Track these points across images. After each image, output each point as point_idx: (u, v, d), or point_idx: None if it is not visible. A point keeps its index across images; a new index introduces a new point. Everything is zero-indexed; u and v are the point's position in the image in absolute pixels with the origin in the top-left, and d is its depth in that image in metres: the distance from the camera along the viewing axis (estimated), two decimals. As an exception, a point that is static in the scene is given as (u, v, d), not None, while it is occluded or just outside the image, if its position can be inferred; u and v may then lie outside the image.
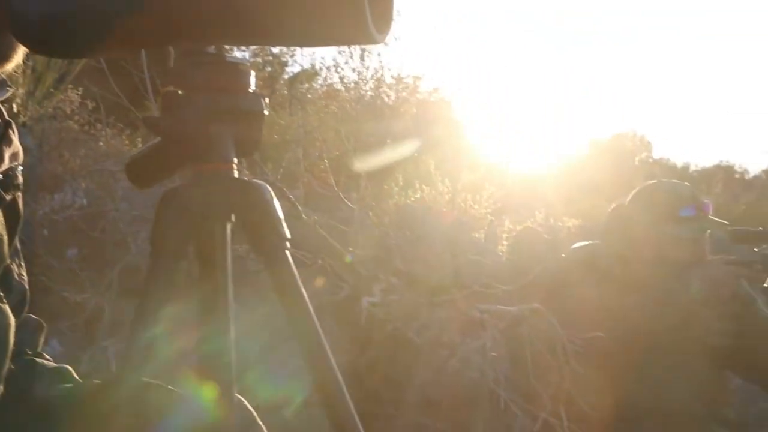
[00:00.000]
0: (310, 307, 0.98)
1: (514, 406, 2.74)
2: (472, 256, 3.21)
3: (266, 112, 0.97)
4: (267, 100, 0.97)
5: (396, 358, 3.00)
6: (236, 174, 0.96)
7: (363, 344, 3.09)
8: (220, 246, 0.97)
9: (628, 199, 3.09)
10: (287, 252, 0.97)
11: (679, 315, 2.86)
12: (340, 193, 3.70)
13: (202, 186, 0.94)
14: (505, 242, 4.46)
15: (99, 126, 4.79)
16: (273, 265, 0.97)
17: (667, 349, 2.83)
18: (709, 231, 3.01)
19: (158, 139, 0.95)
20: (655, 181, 3.15)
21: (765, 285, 2.89)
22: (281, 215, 0.97)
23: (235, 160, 0.95)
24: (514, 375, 2.89)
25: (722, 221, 3.05)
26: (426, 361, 2.92)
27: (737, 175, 12.05)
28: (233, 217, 0.98)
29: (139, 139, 5.29)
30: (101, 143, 4.76)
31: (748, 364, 3.07)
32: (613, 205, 3.18)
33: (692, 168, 14.11)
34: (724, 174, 11.45)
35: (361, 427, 0.99)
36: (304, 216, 3.50)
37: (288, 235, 0.97)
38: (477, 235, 4.58)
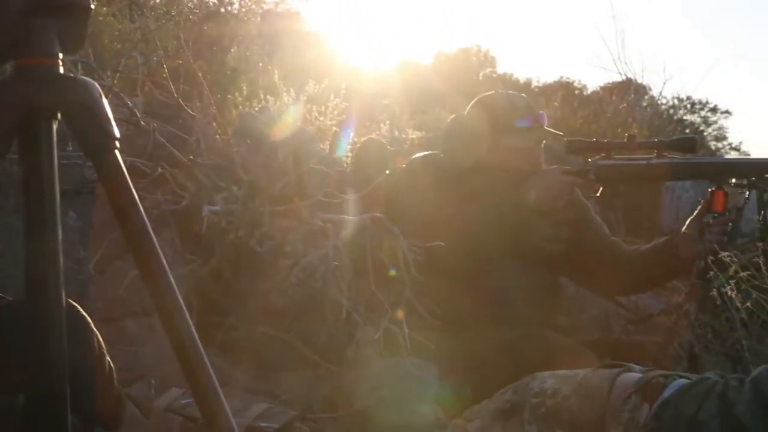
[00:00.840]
0: (142, 210, 0.95)
1: (357, 315, 2.76)
2: (316, 166, 3.19)
3: (92, 6, 0.92)
4: (93, -7, 0.93)
5: (238, 267, 2.98)
6: (62, 71, 0.91)
7: (205, 254, 3.05)
8: (45, 146, 0.93)
9: (466, 110, 3.12)
10: (116, 152, 0.94)
11: (516, 223, 2.92)
12: (181, 101, 3.61)
13: (24, 81, 0.89)
14: (349, 153, 4.46)
15: None
16: (102, 165, 0.93)
17: (503, 257, 2.90)
18: (544, 141, 3.08)
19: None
20: (492, 92, 3.19)
21: (597, 194, 2.98)
22: (110, 114, 0.94)
23: (61, 55, 0.91)
24: (356, 284, 2.91)
25: (557, 132, 3.13)
26: (269, 270, 2.91)
27: (576, 91, 12.34)
28: (59, 116, 0.94)
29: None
30: None
31: (581, 270, 3.18)
32: (452, 116, 3.21)
33: (534, 83, 14.38)
34: (564, 89, 11.70)
35: (198, 342, 0.98)
36: (143, 123, 3.40)
37: (117, 134, 0.94)
38: (322, 146, 4.56)
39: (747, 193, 2.83)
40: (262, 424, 2.27)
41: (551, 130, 3.15)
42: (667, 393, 1.57)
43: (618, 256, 3.21)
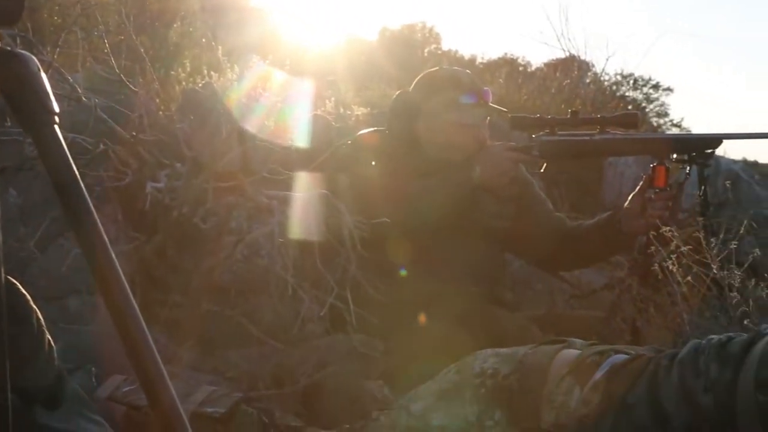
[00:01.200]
0: (83, 188, 0.93)
1: (302, 292, 2.75)
2: (260, 142, 3.17)
3: (29, -23, 0.90)
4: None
5: (182, 244, 2.96)
6: (-1, 44, 0.89)
7: (148, 231, 3.02)
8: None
9: (411, 87, 3.12)
10: (56, 127, 0.92)
11: (462, 200, 2.93)
12: (123, 77, 3.56)
13: (-42, 54, 0.87)
14: (294, 130, 4.43)
15: None
16: (41, 141, 0.92)
17: (448, 233, 2.91)
18: (489, 118, 3.09)
19: None
20: (437, 68, 3.19)
21: (541, 170, 2.99)
22: (49, 89, 0.92)
23: (-3, 29, 0.89)
24: (301, 261, 2.90)
25: (502, 108, 3.13)
26: (213, 247, 2.89)
27: (521, 68, 12.39)
28: (-5, 90, 0.91)
29: None
30: None
31: (526, 245, 3.20)
32: (397, 93, 3.20)
33: (479, 60, 14.41)
34: (509, 66, 11.75)
35: (141, 321, 0.97)
36: (84, 99, 3.35)
37: (56, 109, 0.92)
38: (267, 123, 4.53)
39: (688, 168, 2.87)
40: (208, 409, 2.24)
41: (496, 106, 3.16)
42: (598, 374, 1.56)
43: (562, 232, 3.23)
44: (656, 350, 1.61)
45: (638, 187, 2.99)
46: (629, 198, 3.03)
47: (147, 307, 2.78)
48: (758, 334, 1.38)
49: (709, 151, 2.83)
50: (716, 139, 2.82)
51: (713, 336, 1.47)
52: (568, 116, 3.00)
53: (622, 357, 1.60)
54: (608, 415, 1.46)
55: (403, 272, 2.92)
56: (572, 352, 1.68)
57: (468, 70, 3.29)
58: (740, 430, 1.30)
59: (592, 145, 2.93)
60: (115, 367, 2.45)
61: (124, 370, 2.39)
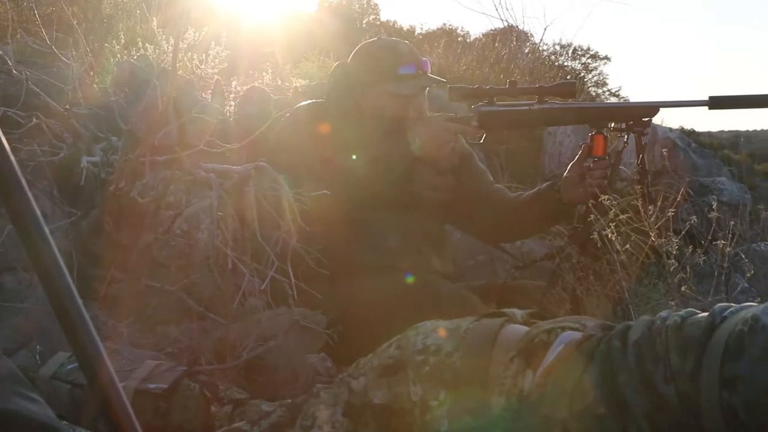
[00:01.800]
0: (14, 163, 0.91)
1: (243, 266, 2.73)
2: (197, 114, 3.13)
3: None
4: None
5: (120, 220, 2.91)
6: None
7: (85, 206, 2.97)
8: None
9: (350, 58, 3.10)
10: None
11: (402, 171, 2.93)
12: (55, 49, 3.48)
13: None
14: (232, 102, 4.40)
15: None
16: (-33, 114, 0.89)
17: (388, 205, 2.91)
18: (427, 88, 3.09)
19: None
20: (375, 39, 3.18)
21: (481, 141, 3.00)
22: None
23: None
24: (241, 234, 2.88)
25: (441, 79, 3.14)
26: (152, 222, 2.85)
27: (459, 38, 12.43)
28: None
29: None
30: None
31: (466, 217, 3.21)
32: (336, 64, 3.19)
33: (418, 30, 14.42)
34: (448, 36, 11.77)
35: (77, 298, 0.95)
36: (15, 71, 3.28)
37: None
38: (203, 95, 4.49)
39: (626, 137, 2.89)
40: (151, 386, 2.22)
41: (434, 76, 3.16)
42: (549, 357, 1.52)
43: (502, 203, 3.25)
44: (602, 326, 1.56)
45: (577, 157, 3.01)
46: (568, 167, 3.05)
47: (85, 283, 2.74)
48: (714, 314, 1.35)
49: (647, 119, 2.86)
50: (653, 108, 2.85)
51: (664, 313, 1.44)
52: (507, 86, 3.01)
53: (571, 336, 1.56)
54: (563, 399, 1.42)
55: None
56: (517, 330, 1.65)
57: (406, 41, 3.28)
58: (704, 424, 1.29)
59: (531, 114, 2.95)
60: (61, 345, 2.41)
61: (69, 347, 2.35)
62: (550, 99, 2.95)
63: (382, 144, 2.98)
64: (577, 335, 1.56)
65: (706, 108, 2.73)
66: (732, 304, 1.38)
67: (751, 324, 1.27)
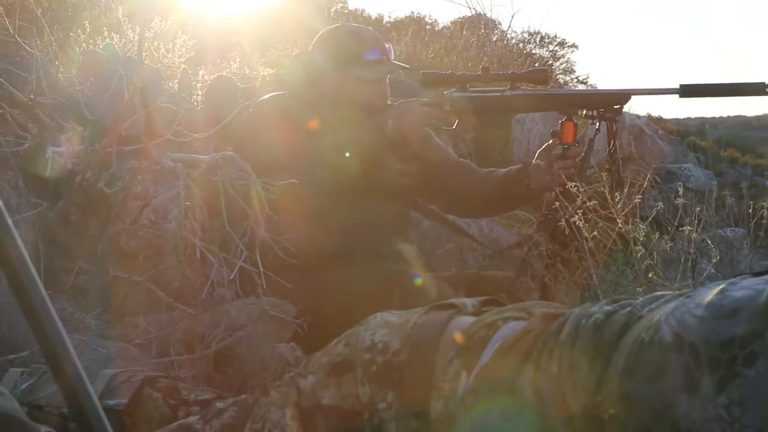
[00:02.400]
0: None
1: (211, 256, 2.72)
2: (164, 104, 3.11)
3: None
4: None
5: (87, 210, 2.90)
6: None
7: (51, 197, 2.94)
8: None
9: (312, 45, 3.10)
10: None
11: (368, 158, 2.93)
12: (19, 38, 3.45)
13: None
14: (199, 91, 4.38)
15: None
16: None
17: (354, 193, 2.90)
18: (390, 74, 3.09)
19: None
20: (339, 24, 3.18)
21: (453, 126, 3.01)
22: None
23: None
24: (209, 224, 2.87)
25: (404, 65, 3.15)
26: (119, 212, 2.84)
27: (428, 26, 12.43)
28: None
29: None
30: None
31: (433, 195, 3.22)
32: (296, 53, 3.18)
33: (386, 19, 14.41)
34: (416, 24, 11.78)
35: (42, 291, 0.94)
36: (-24, 61, 3.24)
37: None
38: (171, 84, 4.46)
39: (598, 124, 2.90)
40: (110, 402, 2.14)
41: (398, 62, 3.16)
42: (485, 357, 1.44)
43: (468, 175, 3.26)
44: (544, 317, 1.46)
45: (546, 144, 3.03)
46: (537, 153, 3.06)
47: (52, 275, 2.73)
48: (634, 310, 1.27)
49: (618, 106, 2.87)
50: (625, 95, 2.86)
51: (596, 308, 1.37)
52: (479, 72, 3.02)
53: (511, 329, 1.48)
54: (496, 403, 1.37)
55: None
56: (463, 324, 1.57)
57: (370, 27, 3.28)
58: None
59: (503, 101, 2.96)
60: (28, 337, 2.39)
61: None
62: (522, 85, 2.97)
63: (348, 131, 2.98)
64: (518, 328, 1.48)
65: (677, 96, 2.75)
66: (666, 292, 1.30)
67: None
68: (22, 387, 2.16)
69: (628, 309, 1.28)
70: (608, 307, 1.32)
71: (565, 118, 2.92)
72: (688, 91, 2.74)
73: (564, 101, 2.97)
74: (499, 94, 2.96)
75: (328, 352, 1.70)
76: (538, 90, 3.01)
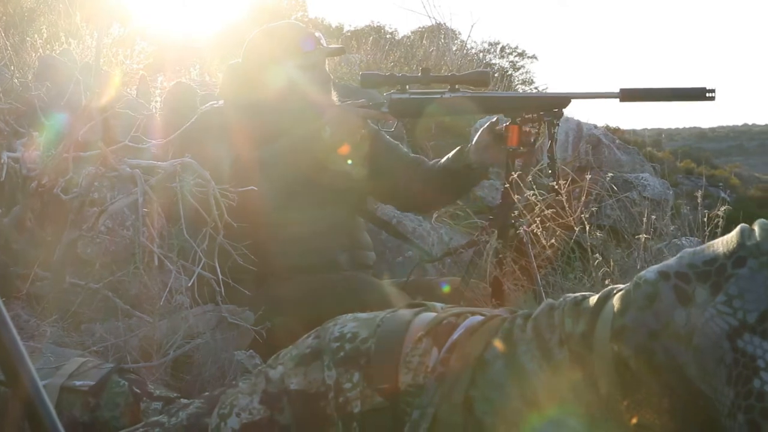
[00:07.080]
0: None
1: (169, 263, 2.71)
2: (122, 110, 3.09)
3: None
4: None
5: (43, 216, 2.86)
6: None
7: (6, 203, 2.91)
8: None
9: (243, 52, 3.11)
10: None
11: (314, 161, 2.93)
12: (-26, 43, 3.42)
13: None
14: (158, 98, 4.36)
15: None
16: None
17: (301, 197, 2.90)
18: (328, 57, 3.15)
19: None
20: (264, 26, 3.20)
21: (392, 129, 3.01)
22: None
23: None
24: (167, 231, 2.85)
25: (338, 46, 3.21)
26: (75, 219, 2.81)
27: (388, 35, 12.47)
28: None
29: None
30: None
31: (388, 191, 3.23)
32: (229, 63, 3.20)
33: (346, 28, 14.43)
34: (376, 33, 11.81)
35: None
36: (-69, 66, 3.21)
37: None
38: (129, 90, 4.43)
39: (543, 127, 2.91)
40: (77, 383, 2.19)
41: (331, 46, 3.21)
42: (456, 335, 1.58)
43: (421, 171, 3.27)
44: (513, 311, 1.63)
45: (488, 123, 3.03)
46: (477, 134, 3.07)
47: (7, 282, 2.70)
48: (611, 289, 1.41)
49: (557, 110, 2.86)
50: (565, 98, 2.85)
51: (569, 294, 1.50)
52: (419, 74, 3.02)
53: (478, 318, 1.63)
54: (466, 372, 1.47)
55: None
56: (430, 315, 1.70)
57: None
58: (598, 381, 1.32)
59: (442, 102, 2.95)
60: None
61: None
62: (462, 88, 2.96)
63: (292, 137, 2.98)
64: (485, 317, 1.63)
65: (617, 101, 2.73)
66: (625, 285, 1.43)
67: (636, 281, 1.33)
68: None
69: (602, 294, 1.42)
70: (582, 294, 1.47)
71: (509, 121, 2.91)
72: (628, 95, 2.71)
73: (504, 104, 2.95)
74: (438, 96, 2.96)
75: (298, 345, 1.78)
76: (477, 92, 3.00)
